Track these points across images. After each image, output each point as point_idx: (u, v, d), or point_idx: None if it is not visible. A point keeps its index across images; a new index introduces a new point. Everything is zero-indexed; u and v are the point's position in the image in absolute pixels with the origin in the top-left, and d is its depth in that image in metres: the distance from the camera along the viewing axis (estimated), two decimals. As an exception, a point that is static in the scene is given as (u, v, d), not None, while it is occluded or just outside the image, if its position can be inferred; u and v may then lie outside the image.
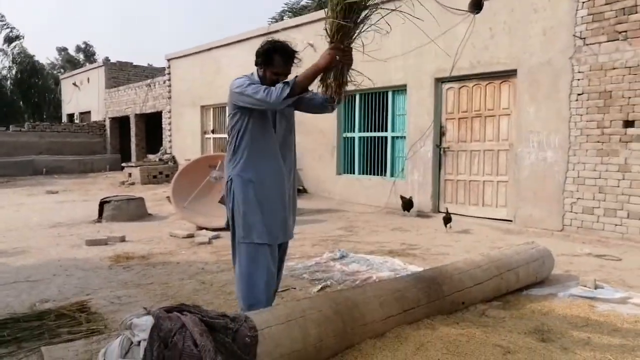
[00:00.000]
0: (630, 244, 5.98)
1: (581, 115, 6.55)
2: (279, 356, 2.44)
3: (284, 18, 21.12)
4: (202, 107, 14.57)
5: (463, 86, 8.14)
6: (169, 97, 16.03)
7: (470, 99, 8.05)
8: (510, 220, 7.42)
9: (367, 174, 10.02)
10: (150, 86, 17.75)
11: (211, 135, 14.49)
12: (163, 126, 16.71)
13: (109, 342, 2.45)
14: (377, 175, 9.77)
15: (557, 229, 6.77)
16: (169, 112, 16.10)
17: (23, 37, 29.99)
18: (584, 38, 6.49)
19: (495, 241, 6.17)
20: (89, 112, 22.79)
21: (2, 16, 28.88)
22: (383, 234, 6.75)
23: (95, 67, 22.61)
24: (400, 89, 9.12)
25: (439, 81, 8.42)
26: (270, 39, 3.08)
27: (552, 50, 6.84)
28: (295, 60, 3.05)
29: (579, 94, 6.56)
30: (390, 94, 9.35)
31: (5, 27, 28.10)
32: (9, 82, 28.66)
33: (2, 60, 28.22)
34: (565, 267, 4.86)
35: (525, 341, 2.87)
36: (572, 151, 6.66)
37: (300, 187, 10.98)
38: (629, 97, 6.12)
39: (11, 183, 14.72)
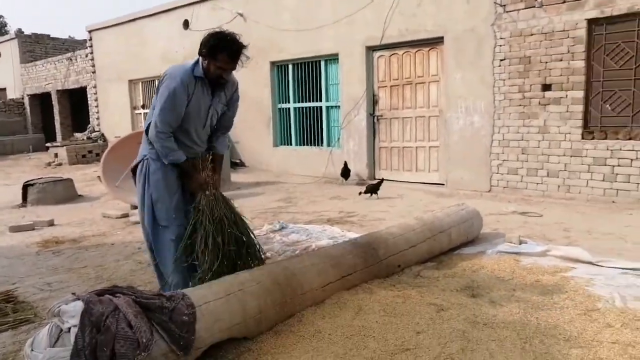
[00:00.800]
0: (550, 200, 6.41)
1: (504, 80, 6.84)
2: (219, 331, 2.44)
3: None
4: (130, 81, 13.90)
5: (393, 54, 8.25)
6: (94, 72, 15.15)
7: (401, 66, 8.18)
8: (443, 184, 7.73)
9: (303, 144, 10.03)
10: (71, 60, 16.65)
11: (141, 111, 13.90)
12: (89, 102, 15.83)
13: (37, 332, 2.35)
14: (314, 145, 9.80)
15: (485, 190, 7.12)
16: (95, 87, 15.25)
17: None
18: (504, 5, 6.73)
19: (428, 205, 6.41)
20: (4, 89, 21.11)
21: None
22: (321, 204, 6.83)
23: (7, 40, 20.84)
24: (333, 58, 9.11)
25: (370, 49, 8.48)
26: (217, 32, 2.87)
27: (476, 18, 7.04)
28: (242, 57, 2.89)
29: (501, 60, 6.84)
30: (322, 64, 9.32)
31: None
32: None
33: None
34: (493, 225, 5.14)
35: (457, 298, 3.03)
36: (497, 115, 6.97)
37: (238, 161, 10.84)
38: (546, 62, 6.45)
39: None
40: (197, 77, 2.89)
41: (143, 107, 13.81)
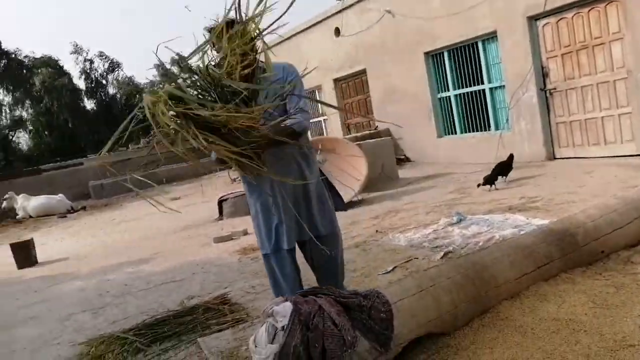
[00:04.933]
0: None
1: None
2: (417, 327, 2.47)
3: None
4: (293, 95, 14.87)
5: (561, 19, 7.47)
6: (260, 91, 16.54)
7: (572, 31, 7.36)
8: (641, 155, 6.75)
9: (469, 131, 9.63)
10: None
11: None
12: (259, 120, 17.32)
13: (255, 330, 2.65)
14: (481, 130, 9.36)
15: (699, 156, 6.03)
16: (263, 105, 16.63)
17: (122, 64, 32.79)
18: None
19: (626, 180, 5.64)
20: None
21: (102, 52, 31.77)
22: (498, 191, 6.47)
23: (189, 77, 23.96)
24: (491, 37, 8.59)
25: (532, 19, 7.80)
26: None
27: (665, -44, 6.02)
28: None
29: None
30: (480, 44, 8.85)
31: (106, 60, 30.85)
32: (117, 107, 31.35)
33: (109, 89, 31.01)
34: None
35: (685, 285, 2.62)
36: None
37: (402, 157, 10.85)
38: None
39: (139, 196, 16.19)
40: None
41: (307, 117, 14.63)
